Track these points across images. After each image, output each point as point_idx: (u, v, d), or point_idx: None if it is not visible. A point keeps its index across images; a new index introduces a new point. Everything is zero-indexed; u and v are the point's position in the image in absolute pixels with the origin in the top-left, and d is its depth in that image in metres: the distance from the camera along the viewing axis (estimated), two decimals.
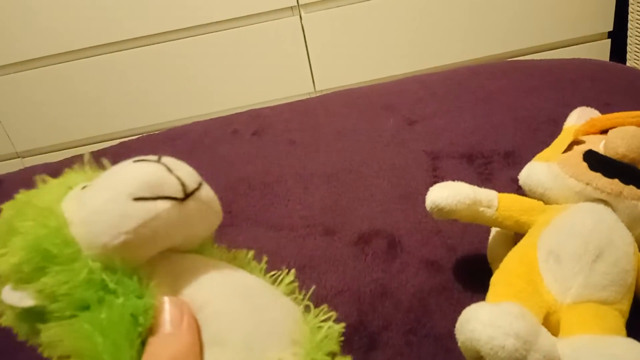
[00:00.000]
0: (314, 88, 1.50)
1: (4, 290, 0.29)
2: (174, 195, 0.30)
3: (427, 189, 0.45)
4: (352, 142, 0.69)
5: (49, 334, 0.27)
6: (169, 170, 0.31)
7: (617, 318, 0.36)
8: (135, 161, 0.31)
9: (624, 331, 0.36)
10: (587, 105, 0.58)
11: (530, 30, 1.42)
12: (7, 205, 0.31)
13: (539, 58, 1.38)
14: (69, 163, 0.79)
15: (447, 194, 0.43)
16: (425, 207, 0.45)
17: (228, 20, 1.36)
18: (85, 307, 0.27)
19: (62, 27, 1.32)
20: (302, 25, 1.39)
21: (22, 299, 0.28)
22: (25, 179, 0.80)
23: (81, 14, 1.31)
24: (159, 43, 1.37)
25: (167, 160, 0.32)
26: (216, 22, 1.36)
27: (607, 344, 0.33)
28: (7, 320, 0.30)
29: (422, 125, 0.68)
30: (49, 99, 1.43)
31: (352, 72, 1.47)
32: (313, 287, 0.45)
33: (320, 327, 0.34)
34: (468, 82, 0.75)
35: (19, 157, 1.53)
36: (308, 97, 1.47)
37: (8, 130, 1.47)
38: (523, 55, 1.46)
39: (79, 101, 1.43)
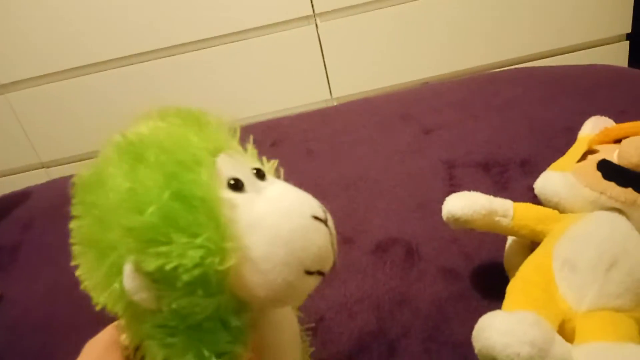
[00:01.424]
0: (331, 95, 1.51)
1: (127, 272, 0.27)
2: (326, 271, 0.31)
3: (443, 198, 0.47)
4: (369, 151, 0.70)
5: (167, 342, 0.28)
6: (332, 243, 0.31)
7: (632, 326, 0.37)
8: (313, 217, 0.30)
9: (638, 338, 0.37)
10: (603, 114, 0.58)
11: (546, 33, 1.41)
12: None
13: (556, 62, 1.38)
14: None
15: (463, 204, 0.44)
16: (442, 215, 0.46)
17: (246, 30, 1.38)
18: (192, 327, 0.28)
19: (84, 39, 1.35)
20: (318, 33, 1.41)
21: (147, 299, 0.27)
22: (53, 190, 0.83)
23: (103, 27, 1.34)
24: (179, 54, 1.39)
25: (331, 224, 0.32)
26: (234, 32, 1.38)
27: (620, 351, 0.34)
28: (109, 297, 0.29)
29: (438, 134, 0.69)
30: (73, 110, 1.46)
31: (367, 79, 1.48)
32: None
33: None
34: (484, 91, 0.76)
35: (43, 168, 1.57)
36: (325, 104, 1.48)
37: (33, 141, 1.51)
38: (540, 59, 1.45)
39: (102, 112, 1.46)
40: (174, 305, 0.27)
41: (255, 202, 0.30)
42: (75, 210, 0.29)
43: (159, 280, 0.27)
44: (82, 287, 0.30)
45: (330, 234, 0.31)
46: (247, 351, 0.30)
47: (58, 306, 0.59)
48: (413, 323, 0.47)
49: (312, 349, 0.44)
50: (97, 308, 0.30)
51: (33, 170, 1.57)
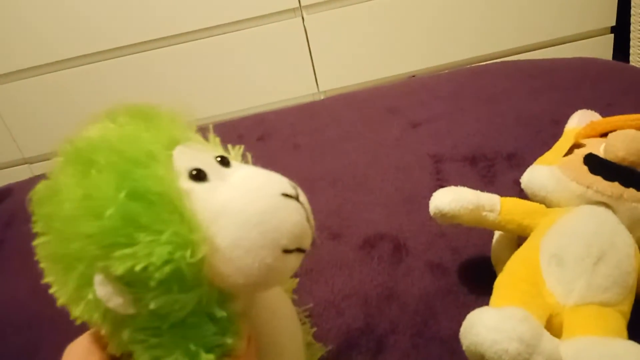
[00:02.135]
0: (318, 88, 1.50)
1: (97, 280, 0.26)
2: (306, 247, 0.30)
3: (431, 193, 0.46)
4: (357, 145, 0.69)
5: (148, 344, 0.27)
6: (307, 219, 0.30)
7: (619, 319, 0.37)
8: (283, 194, 0.29)
9: (626, 332, 0.37)
10: (589, 106, 0.58)
11: (532, 27, 1.42)
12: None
13: (541, 55, 1.38)
14: None
15: (450, 200, 0.44)
16: (429, 211, 0.46)
17: (231, 23, 1.37)
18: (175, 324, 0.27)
19: (64, 34, 1.33)
20: (304, 26, 1.40)
21: (123, 304, 0.26)
22: (35, 187, 0.82)
23: (84, 21, 1.32)
24: (161, 47, 1.38)
25: (303, 199, 0.31)
26: (220, 25, 1.37)
27: (608, 346, 0.34)
28: (85, 309, 0.28)
29: (425, 128, 0.69)
30: (55, 104, 1.44)
31: (354, 72, 1.47)
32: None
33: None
34: (470, 84, 0.76)
35: (26, 163, 1.55)
36: (312, 97, 1.48)
37: (15, 137, 1.49)
38: (525, 52, 1.46)
39: (85, 107, 1.44)
40: (152, 306, 0.26)
41: (220, 189, 0.29)
42: (36, 226, 0.29)
43: (132, 283, 0.26)
44: (58, 303, 0.29)
45: (304, 209, 0.30)
46: (240, 341, 0.29)
47: (42, 304, 0.58)
48: (401, 319, 0.47)
49: (314, 329, 0.43)
50: (77, 322, 0.29)
51: (16, 166, 1.55)
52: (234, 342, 0.28)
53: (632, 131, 0.43)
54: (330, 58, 1.45)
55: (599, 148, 0.45)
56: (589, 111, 0.53)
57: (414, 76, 1.43)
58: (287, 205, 0.29)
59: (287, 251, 0.29)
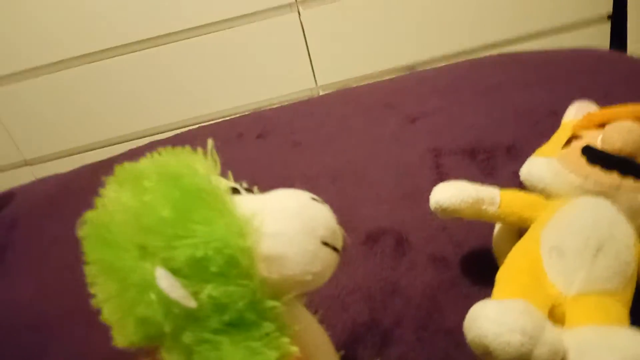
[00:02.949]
0: (316, 83, 1.51)
1: (159, 273, 0.28)
2: (339, 247, 0.33)
3: (431, 186, 0.47)
4: (356, 141, 0.70)
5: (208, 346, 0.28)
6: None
7: (620, 308, 0.38)
8: (312, 199, 0.34)
9: (627, 320, 0.38)
10: (587, 97, 0.59)
11: (528, 16, 1.42)
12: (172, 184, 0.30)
13: (538, 44, 1.38)
14: (79, 173, 0.81)
15: (450, 194, 0.45)
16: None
17: (228, 20, 1.37)
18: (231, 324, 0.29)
19: (61, 35, 1.33)
20: (300, 21, 1.40)
21: (185, 296, 0.28)
22: (37, 190, 0.82)
23: (80, 21, 1.32)
24: (159, 46, 1.38)
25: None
26: (216, 22, 1.37)
27: (609, 335, 0.34)
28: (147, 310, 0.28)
29: (423, 122, 0.69)
30: (53, 106, 1.44)
31: (352, 66, 1.47)
32: None
33: None
34: (468, 77, 0.76)
35: (27, 165, 1.55)
36: (310, 92, 1.48)
37: (15, 139, 1.49)
38: (522, 41, 1.46)
39: (83, 107, 1.44)
40: (214, 293, 0.28)
41: (256, 198, 0.33)
42: (87, 249, 0.31)
43: (191, 275, 0.28)
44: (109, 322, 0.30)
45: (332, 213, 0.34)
46: (293, 344, 0.30)
47: (48, 306, 0.59)
48: (405, 312, 0.48)
49: (342, 352, 0.44)
50: (132, 348, 0.30)
51: (17, 168, 1.55)
52: (288, 344, 0.30)
53: (629, 122, 0.43)
54: (328, 52, 1.45)
55: (597, 139, 0.45)
56: (586, 102, 0.53)
57: (412, 68, 1.44)
58: (318, 204, 0.34)
59: (324, 243, 0.32)
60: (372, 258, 0.53)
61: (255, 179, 0.67)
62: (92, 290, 0.30)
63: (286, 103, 1.47)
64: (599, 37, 1.46)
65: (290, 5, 1.38)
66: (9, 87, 1.41)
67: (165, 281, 0.28)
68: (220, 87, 1.46)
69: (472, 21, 1.42)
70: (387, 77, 1.43)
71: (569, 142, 0.47)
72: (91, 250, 0.30)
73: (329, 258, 0.32)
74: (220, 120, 1.42)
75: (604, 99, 0.61)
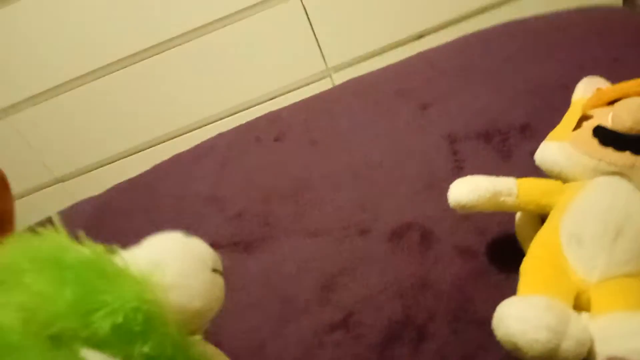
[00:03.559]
0: (326, 65, 1.50)
1: (88, 354, 0.28)
2: (221, 269, 0.36)
3: (449, 175, 0.48)
4: (370, 134, 0.71)
5: None
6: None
7: None
8: (184, 234, 0.36)
9: None
10: (596, 64, 0.58)
11: None
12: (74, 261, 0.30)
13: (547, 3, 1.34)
14: (112, 195, 0.84)
15: (467, 191, 0.46)
16: None
17: (231, 14, 1.37)
18: None
19: (74, 51, 1.36)
20: (303, 4, 1.39)
21: None
22: (74, 216, 0.85)
23: (92, 34, 1.34)
24: (169, 49, 1.39)
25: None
26: (220, 18, 1.37)
27: (632, 321, 0.36)
28: None
29: (435, 108, 0.70)
30: (76, 121, 1.48)
31: (361, 42, 1.46)
32: None
33: None
34: (476, 55, 0.76)
35: (58, 182, 1.60)
36: (321, 75, 1.48)
37: (43, 159, 1.54)
38: None
39: (104, 117, 1.48)
40: (146, 350, 0.29)
41: (134, 253, 0.35)
42: None
43: (117, 343, 0.29)
44: None
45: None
46: None
47: None
48: (437, 306, 0.49)
49: None
50: None
51: (49, 187, 1.60)
52: None
53: (638, 99, 0.43)
54: (334, 33, 1.45)
55: (607, 117, 0.45)
56: (594, 78, 0.53)
57: (421, 37, 1.42)
58: (193, 239, 0.37)
59: (214, 270, 0.36)
60: (399, 254, 0.55)
61: (277, 184, 0.70)
62: None
63: (300, 90, 1.48)
64: None
65: None
66: (31, 109, 1.45)
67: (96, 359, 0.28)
68: (233, 82, 1.47)
69: None
70: (398, 48, 1.43)
71: (579, 123, 0.47)
72: None
73: (220, 282, 0.36)
74: (231, 118, 1.43)
75: (613, 65, 0.61)
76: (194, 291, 0.33)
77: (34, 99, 1.43)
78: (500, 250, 0.52)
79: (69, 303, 0.28)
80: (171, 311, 0.31)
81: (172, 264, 0.33)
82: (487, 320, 0.46)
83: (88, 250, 0.31)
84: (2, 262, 0.30)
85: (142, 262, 0.33)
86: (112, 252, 0.34)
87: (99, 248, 0.32)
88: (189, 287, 0.33)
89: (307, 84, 1.48)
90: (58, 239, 0.32)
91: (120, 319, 0.28)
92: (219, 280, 0.36)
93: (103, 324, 0.28)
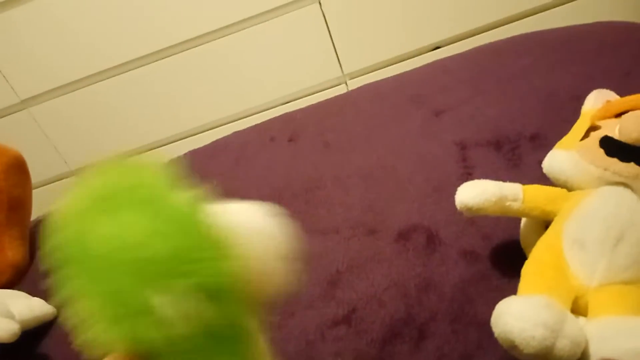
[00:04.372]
0: (342, 71, 1.52)
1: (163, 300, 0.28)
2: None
3: (458, 181, 0.49)
4: (383, 138, 0.72)
5: None
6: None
7: None
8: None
9: None
10: (608, 77, 0.59)
11: None
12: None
13: (564, 12, 1.34)
14: None
15: (474, 194, 0.47)
16: None
17: (250, 17, 1.40)
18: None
19: (94, 48, 1.39)
20: (322, 11, 1.41)
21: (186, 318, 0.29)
22: None
23: (112, 32, 1.37)
24: (187, 50, 1.42)
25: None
26: (240, 21, 1.40)
27: (628, 323, 0.37)
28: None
29: (448, 115, 0.71)
30: (93, 116, 1.51)
31: (377, 50, 1.48)
32: None
33: None
34: (491, 65, 0.77)
35: (74, 176, 1.63)
36: (337, 81, 1.50)
37: (60, 151, 1.57)
38: (548, 9, 1.43)
39: (121, 114, 1.51)
40: (215, 315, 0.29)
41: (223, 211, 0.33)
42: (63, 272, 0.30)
43: (192, 300, 0.28)
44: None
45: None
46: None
47: None
48: (439, 306, 0.51)
49: None
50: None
51: (64, 179, 1.63)
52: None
53: None
54: (352, 40, 1.46)
55: (615, 129, 0.46)
56: (604, 90, 0.54)
57: (437, 47, 1.44)
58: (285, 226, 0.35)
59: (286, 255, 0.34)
60: (405, 255, 0.56)
61: (288, 183, 0.71)
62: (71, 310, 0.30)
63: (315, 95, 1.50)
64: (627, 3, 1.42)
65: None
66: (50, 102, 1.48)
67: (170, 307, 0.28)
68: (250, 85, 1.49)
69: None
70: (414, 58, 1.44)
71: (587, 133, 0.48)
72: (79, 273, 0.30)
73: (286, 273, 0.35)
74: (245, 120, 1.45)
75: (624, 79, 0.62)
76: (269, 271, 0.33)
77: (53, 92, 1.46)
78: (504, 255, 0.53)
79: (159, 253, 0.28)
80: (248, 284, 0.31)
81: (255, 240, 0.33)
82: (487, 322, 0.47)
83: (183, 201, 0.30)
84: (102, 186, 0.31)
85: (230, 224, 0.32)
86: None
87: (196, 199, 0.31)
88: (265, 267, 0.33)
89: (323, 90, 1.50)
90: (157, 180, 0.32)
91: (199, 280, 0.28)
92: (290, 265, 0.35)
93: (183, 282, 0.28)
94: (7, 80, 1.42)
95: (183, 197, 0.31)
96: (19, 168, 0.86)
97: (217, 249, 0.30)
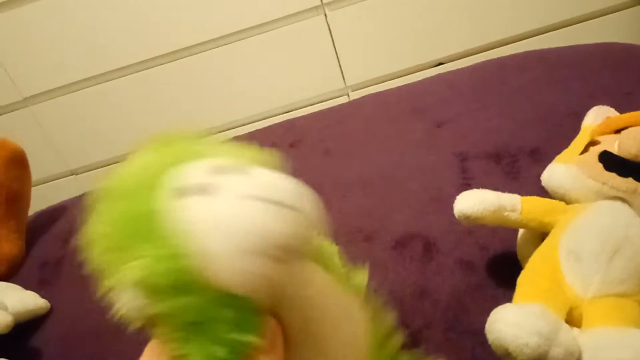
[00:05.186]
0: (345, 84, 1.53)
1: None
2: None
3: (457, 192, 0.49)
4: (384, 148, 0.73)
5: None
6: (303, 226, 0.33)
7: (635, 309, 0.40)
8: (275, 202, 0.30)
9: None
10: (609, 96, 0.60)
11: (555, 6, 1.40)
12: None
13: (567, 34, 1.36)
14: None
15: (472, 203, 0.47)
16: None
17: (256, 26, 1.41)
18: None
19: (99, 49, 1.40)
20: (327, 23, 1.43)
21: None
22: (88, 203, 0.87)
23: (117, 34, 1.38)
24: (191, 56, 1.43)
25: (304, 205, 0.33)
26: (244, 29, 1.41)
27: (622, 334, 0.37)
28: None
29: (449, 126, 0.71)
30: (95, 117, 1.51)
31: (380, 65, 1.49)
32: None
33: None
34: (493, 80, 0.78)
35: (72, 175, 1.63)
36: (339, 93, 1.51)
37: (60, 150, 1.57)
38: (551, 30, 1.44)
39: (123, 116, 1.51)
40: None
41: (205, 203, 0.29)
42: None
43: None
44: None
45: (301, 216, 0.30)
46: (262, 338, 0.29)
47: (105, 316, 0.64)
48: (434, 314, 0.51)
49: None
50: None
51: (63, 178, 1.63)
52: (254, 339, 0.29)
53: None
54: (356, 53, 1.48)
55: (614, 145, 0.47)
56: (605, 107, 0.55)
57: (440, 64, 1.45)
58: (277, 214, 0.28)
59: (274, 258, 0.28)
60: (402, 263, 0.56)
61: None
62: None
63: (317, 105, 1.51)
64: (631, 23, 1.44)
65: (316, 7, 1.41)
66: (52, 101, 1.48)
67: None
68: (252, 93, 1.50)
69: (500, 14, 1.42)
70: (416, 73, 1.45)
71: (587, 148, 0.49)
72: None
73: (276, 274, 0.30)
74: (246, 127, 1.46)
75: (626, 98, 0.63)
76: (237, 273, 0.28)
77: (56, 91, 1.46)
78: (500, 266, 0.53)
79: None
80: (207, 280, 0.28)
81: (224, 236, 0.28)
82: (481, 331, 0.47)
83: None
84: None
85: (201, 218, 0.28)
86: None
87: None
88: (231, 267, 0.27)
89: (324, 100, 1.50)
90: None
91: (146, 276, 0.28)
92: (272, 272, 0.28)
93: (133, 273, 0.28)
94: (10, 78, 1.43)
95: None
96: (19, 162, 0.86)
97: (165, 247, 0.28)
